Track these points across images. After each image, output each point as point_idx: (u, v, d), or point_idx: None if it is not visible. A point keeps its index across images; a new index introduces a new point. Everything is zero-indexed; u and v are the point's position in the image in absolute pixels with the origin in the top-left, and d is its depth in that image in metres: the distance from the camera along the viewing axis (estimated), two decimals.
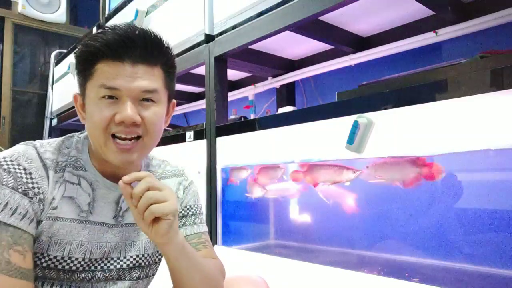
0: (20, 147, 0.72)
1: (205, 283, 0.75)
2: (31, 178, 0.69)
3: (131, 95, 0.69)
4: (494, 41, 1.39)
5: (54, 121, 3.83)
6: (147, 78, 0.71)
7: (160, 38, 0.74)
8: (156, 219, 0.64)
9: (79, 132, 0.82)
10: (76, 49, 0.73)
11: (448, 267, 1.19)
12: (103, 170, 0.77)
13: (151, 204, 0.62)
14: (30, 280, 0.65)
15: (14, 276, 0.62)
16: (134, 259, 0.80)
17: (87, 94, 0.72)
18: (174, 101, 0.83)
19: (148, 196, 0.62)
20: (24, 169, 0.69)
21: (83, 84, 0.73)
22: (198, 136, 1.75)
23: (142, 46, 0.70)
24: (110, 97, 0.69)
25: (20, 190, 0.67)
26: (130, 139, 0.71)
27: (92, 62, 0.70)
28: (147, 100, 0.71)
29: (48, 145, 0.75)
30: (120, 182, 0.63)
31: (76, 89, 0.78)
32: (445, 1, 1.33)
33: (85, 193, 0.75)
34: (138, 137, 0.72)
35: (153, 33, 0.73)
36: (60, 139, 0.78)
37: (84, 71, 0.72)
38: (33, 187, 0.69)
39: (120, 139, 0.70)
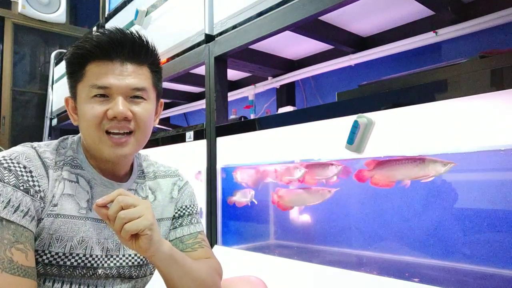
0: (18, 148, 0.73)
1: (200, 284, 0.76)
2: (32, 176, 0.70)
3: (121, 92, 0.73)
4: (494, 41, 1.39)
5: (54, 121, 3.83)
6: (136, 76, 0.75)
7: (146, 39, 0.78)
8: (136, 235, 0.65)
9: (72, 135, 0.84)
10: (66, 53, 0.77)
11: (448, 267, 1.19)
12: (100, 168, 0.80)
13: (125, 223, 0.63)
14: (33, 278, 0.66)
15: (17, 274, 0.63)
16: (133, 257, 0.81)
17: (79, 95, 0.75)
18: (162, 100, 0.87)
19: (121, 216, 0.63)
20: (24, 167, 0.70)
21: (74, 86, 0.77)
22: (198, 136, 1.75)
23: (130, 46, 0.74)
24: (102, 95, 0.73)
25: (22, 188, 0.68)
26: (123, 134, 0.74)
27: (83, 63, 0.74)
28: (137, 97, 0.75)
29: (45, 146, 0.77)
30: (95, 205, 0.65)
31: None
32: (445, 1, 1.33)
33: (83, 191, 0.76)
34: (130, 132, 0.75)
35: (140, 35, 0.77)
36: (55, 141, 0.80)
37: (75, 73, 0.75)
38: (34, 185, 0.70)
39: (114, 134, 0.74)
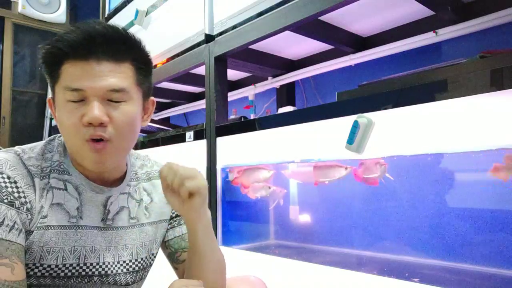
0: (0, 155, 0.69)
1: (221, 268, 0.79)
2: (17, 187, 0.66)
3: (97, 95, 0.66)
4: (494, 41, 1.39)
5: (54, 121, 3.83)
6: (114, 75, 0.67)
7: (126, 32, 0.70)
8: (190, 196, 0.69)
9: (60, 135, 0.78)
10: (41, 51, 0.70)
11: (448, 267, 1.19)
12: (87, 173, 0.75)
13: (184, 179, 0.68)
14: None
15: None
16: (127, 264, 0.79)
17: (56, 97, 0.70)
18: (153, 98, 0.79)
19: (179, 173, 0.69)
20: (8, 177, 0.66)
21: (52, 87, 0.71)
22: (198, 136, 1.74)
23: (104, 42, 0.66)
24: (77, 97, 0.66)
25: (6, 200, 0.64)
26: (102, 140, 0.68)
27: (58, 63, 0.67)
28: (116, 99, 0.68)
29: (30, 150, 0.73)
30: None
31: None
32: (445, 1, 1.32)
33: (72, 198, 0.73)
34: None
35: (117, 28, 0.69)
36: (41, 143, 0.76)
37: (51, 73, 0.69)
38: (19, 197, 0.66)
39: (92, 141, 0.67)
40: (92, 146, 0.67)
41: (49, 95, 0.76)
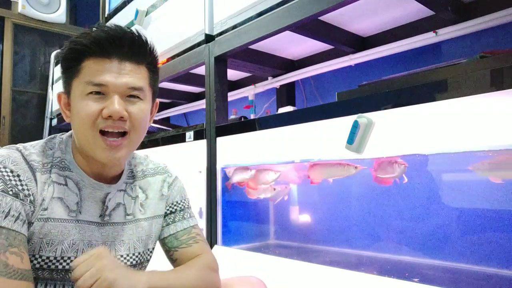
0: (3, 151, 0.72)
1: None
2: (20, 180, 0.69)
3: (118, 91, 0.71)
4: (494, 41, 1.39)
5: (54, 121, 3.83)
6: (133, 75, 0.73)
7: (146, 39, 0.77)
8: None
9: (61, 133, 0.82)
10: (63, 48, 0.75)
11: (448, 267, 1.19)
12: (88, 170, 0.78)
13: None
14: (30, 280, 0.65)
15: (14, 278, 0.62)
16: (125, 258, 0.81)
17: (73, 91, 0.73)
18: (157, 101, 0.85)
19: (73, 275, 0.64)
20: (12, 171, 0.69)
21: (68, 82, 0.74)
22: (198, 136, 1.75)
23: (129, 44, 0.73)
24: (97, 93, 0.71)
25: (10, 192, 0.67)
26: (117, 136, 0.73)
27: (79, 59, 0.72)
28: (133, 96, 0.74)
29: (31, 147, 0.75)
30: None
31: None
32: (445, 1, 1.33)
33: (72, 193, 0.75)
34: (124, 133, 0.73)
35: (140, 33, 0.76)
36: (42, 141, 0.79)
37: (71, 68, 0.73)
38: (23, 189, 0.69)
39: (108, 135, 0.72)
40: (110, 142, 0.72)
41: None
